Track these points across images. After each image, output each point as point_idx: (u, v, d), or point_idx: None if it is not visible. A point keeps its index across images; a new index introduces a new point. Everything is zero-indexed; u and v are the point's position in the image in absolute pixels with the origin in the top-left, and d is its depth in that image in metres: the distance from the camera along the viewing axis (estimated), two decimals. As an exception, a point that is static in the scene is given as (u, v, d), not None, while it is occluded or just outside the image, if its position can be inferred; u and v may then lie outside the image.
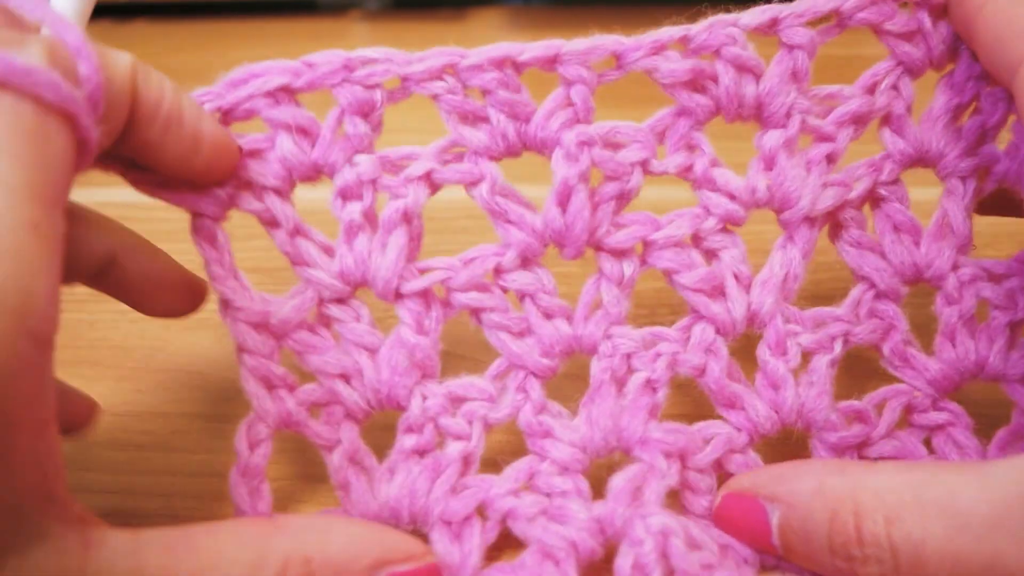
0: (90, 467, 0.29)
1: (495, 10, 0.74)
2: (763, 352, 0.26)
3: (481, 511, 0.25)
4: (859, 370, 0.28)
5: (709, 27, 0.26)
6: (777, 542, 0.23)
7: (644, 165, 0.26)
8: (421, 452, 0.25)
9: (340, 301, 0.26)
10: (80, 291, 0.38)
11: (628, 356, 0.26)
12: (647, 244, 0.26)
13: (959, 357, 0.26)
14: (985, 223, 0.28)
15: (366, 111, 0.25)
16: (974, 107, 0.27)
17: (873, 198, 0.27)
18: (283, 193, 0.25)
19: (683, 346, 0.26)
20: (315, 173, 0.25)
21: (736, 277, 0.26)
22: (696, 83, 0.26)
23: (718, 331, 0.26)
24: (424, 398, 0.25)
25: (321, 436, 0.25)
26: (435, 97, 0.25)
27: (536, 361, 0.26)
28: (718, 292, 0.26)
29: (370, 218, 0.25)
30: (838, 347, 0.26)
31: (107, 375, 0.33)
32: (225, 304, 0.25)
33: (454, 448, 0.25)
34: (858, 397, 0.26)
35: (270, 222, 0.25)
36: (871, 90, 0.27)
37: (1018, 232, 0.28)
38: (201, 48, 0.66)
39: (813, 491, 0.22)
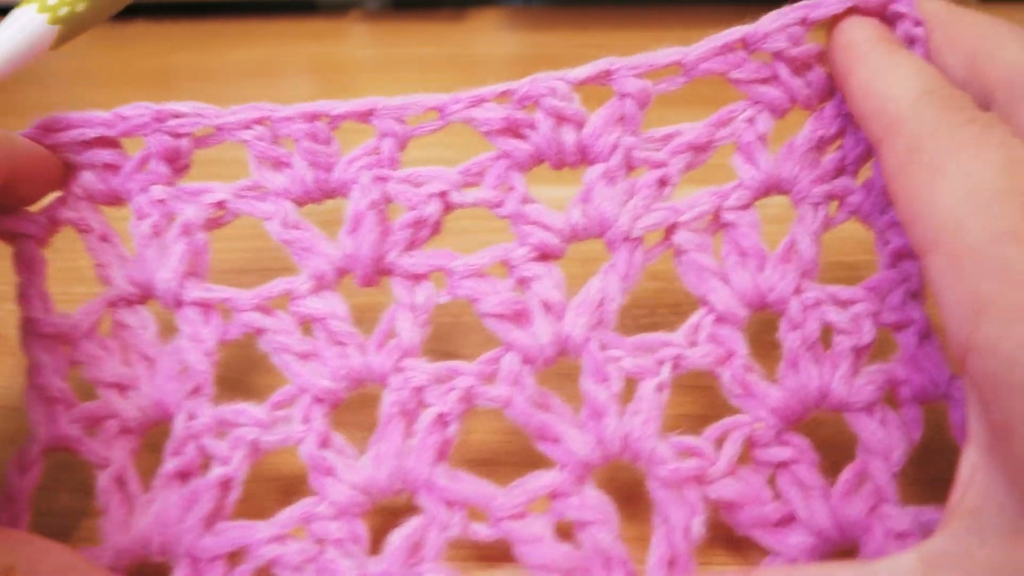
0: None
1: (495, 10, 0.74)
2: (585, 383, 0.25)
3: (239, 556, 0.24)
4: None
5: (530, 81, 0.26)
6: None
7: (443, 196, 0.27)
8: (183, 476, 0.25)
9: (130, 305, 0.27)
10: (79, 291, 0.38)
11: (419, 390, 0.25)
12: (448, 273, 0.26)
13: (801, 384, 0.25)
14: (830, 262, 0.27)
15: (172, 157, 0.27)
16: (839, 144, 0.27)
17: (721, 224, 0.27)
18: (93, 204, 0.28)
19: (482, 379, 0.25)
20: (115, 200, 0.28)
21: (545, 305, 0.26)
22: (515, 131, 0.27)
23: (525, 360, 0.25)
24: (191, 416, 0.26)
25: (96, 454, 0.26)
26: (245, 143, 0.27)
27: (317, 383, 0.25)
28: (524, 319, 0.26)
29: (159, 233, 0.27)
30: (665, 371, 0.25)
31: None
32: (26, 322, 0.27)
33: (213, 473, 0.25)
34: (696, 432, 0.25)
35: (84, 228, 0.28)
36: (723, 125, 0.27)
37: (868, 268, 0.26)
38: (201, 48, 0.67)
39: None
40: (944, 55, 0.25)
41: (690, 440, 0.24)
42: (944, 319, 0.21)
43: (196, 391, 0.26)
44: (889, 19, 0.26)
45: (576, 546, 0.23)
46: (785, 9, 0.26)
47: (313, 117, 0.27)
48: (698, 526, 0.23)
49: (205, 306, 0.27)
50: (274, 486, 0.28)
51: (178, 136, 0.27)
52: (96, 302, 0.27)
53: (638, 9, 0.68)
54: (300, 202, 0.27)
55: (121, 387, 0.26)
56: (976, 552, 0.19)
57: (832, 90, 0.27)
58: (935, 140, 0.22)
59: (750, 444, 0.25)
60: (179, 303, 0.27)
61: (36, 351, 0.26)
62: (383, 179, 0.27)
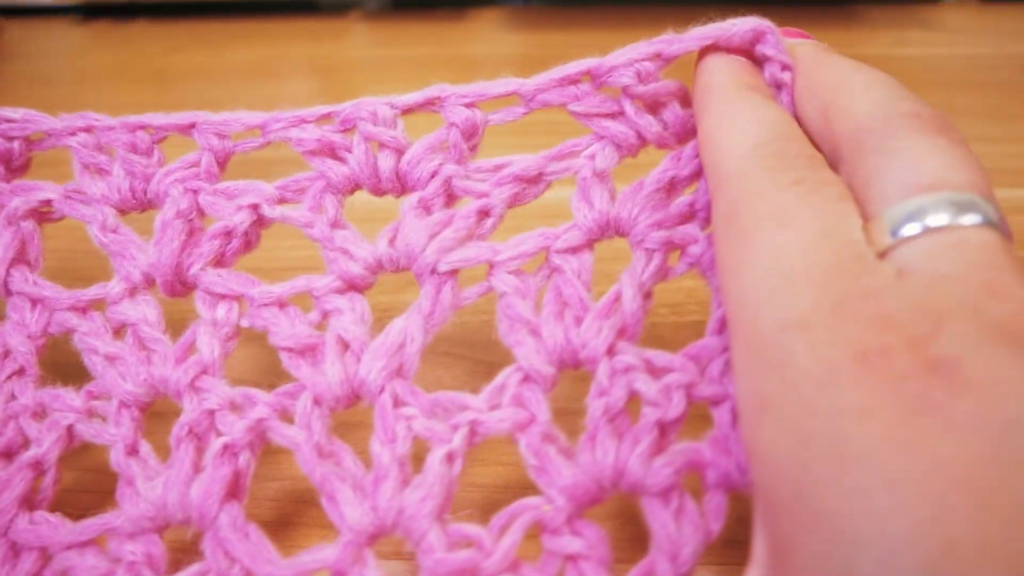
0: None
1: (495, 10, 0.74)
2: (372, 441, 0.23)
3: (47, 555, 0.24)
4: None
5: (354, 104, 0.26)
6: None
7: (254, 209, 0.26)
8: (5, 456, 0.25)
9: None
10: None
11: (210, 413, 0.24)
12: (249, 300, 0.25)
13: (596, 460, 0.21)
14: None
15: (5, 158, 0.28)
16: (695, 187, 0.24)
17: (550, 268, 0.24)
18: None
19: (278, 412, 0.24)
20: None
21: (342, 341, 0.24)
22: (333, 152, 0.26)
23: (316, 401, 0.24)
24: (11, 397, 0.26)
25: None
26: (71, 148, 0.28)
27: (120, 386, 0.25)
28: (319, 356, 0.24)
29: None
30: (458, 439, 0.22)
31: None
32: None
33: (26, 455, 0.25)
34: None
35: None
36: (562, 159, 0.25)
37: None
38: (201, 48, 0.67)
39: None
40: (803, 104, 0.22)
41: (470, 527, 0.22)
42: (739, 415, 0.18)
43: (19, 373, 0.26)
44: (759, 60, 0.24)
45: None
46: (640, 43, 0.24)
47: (135, 128, 0.27)
48: None
49: (32, 299, 0.27)
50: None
51: (10, 139, 0.28)
52: None
53: (638, 9, 0.68)
54: (120, 209, 0.28)
55: None
56: None
57: (695, 130, 0.24)
58: (752, 205, 0.19)
59: (541, 530, 0.22)
60: (8, 291, 0.27)
61: None
62: (195, 191, 0.27)
